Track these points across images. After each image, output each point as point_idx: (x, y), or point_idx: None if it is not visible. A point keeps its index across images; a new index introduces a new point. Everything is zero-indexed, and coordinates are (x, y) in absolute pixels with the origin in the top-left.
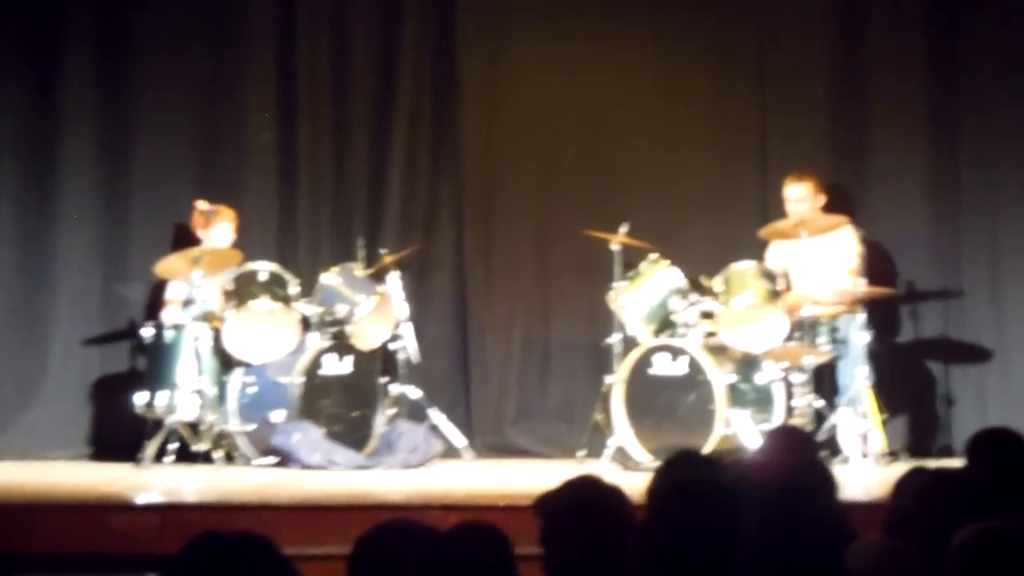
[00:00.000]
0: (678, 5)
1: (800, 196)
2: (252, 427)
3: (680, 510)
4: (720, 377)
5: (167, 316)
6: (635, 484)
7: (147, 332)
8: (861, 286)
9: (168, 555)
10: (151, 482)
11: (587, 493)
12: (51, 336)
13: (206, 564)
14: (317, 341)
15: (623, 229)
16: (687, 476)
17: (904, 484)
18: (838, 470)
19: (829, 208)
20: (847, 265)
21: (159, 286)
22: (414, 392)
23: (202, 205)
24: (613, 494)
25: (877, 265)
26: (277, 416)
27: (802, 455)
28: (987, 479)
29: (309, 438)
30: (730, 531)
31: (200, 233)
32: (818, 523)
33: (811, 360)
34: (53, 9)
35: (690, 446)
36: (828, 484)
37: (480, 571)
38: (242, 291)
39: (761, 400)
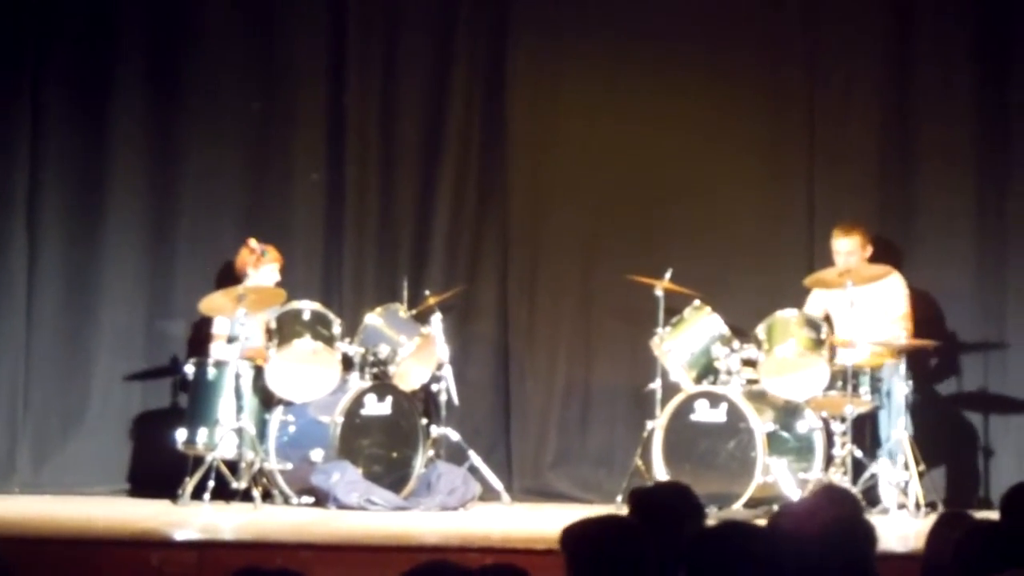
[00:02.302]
0: (728, 50)
1: (849, 249)
2: (291, 466)
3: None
4: (760, 425)
5: (212, 352)
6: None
7: (189, 368)
8: (903, 337)
9: None
10: (189, 519)
11: (610, 529)
12: (93, 371)
13: None
14: (358, 381)
15: (667, 275)
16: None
17: (937, 532)
18: (876, 520)
19: (875, 258)
20: (896, 313)
21: (202, 323)
22: (454, 434)
23: (253, 243)
24: (634, 530)
25: (920, 315)
26: (316, 455)
27: (844, 510)
28: (1019, 533)
29: (348, 478)
30: None
31: (249, 271)
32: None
33: (852, 409)
34: (103, 45)
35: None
36: (866, 536)
37: None
38: (285, 330)
39: (801, 449)
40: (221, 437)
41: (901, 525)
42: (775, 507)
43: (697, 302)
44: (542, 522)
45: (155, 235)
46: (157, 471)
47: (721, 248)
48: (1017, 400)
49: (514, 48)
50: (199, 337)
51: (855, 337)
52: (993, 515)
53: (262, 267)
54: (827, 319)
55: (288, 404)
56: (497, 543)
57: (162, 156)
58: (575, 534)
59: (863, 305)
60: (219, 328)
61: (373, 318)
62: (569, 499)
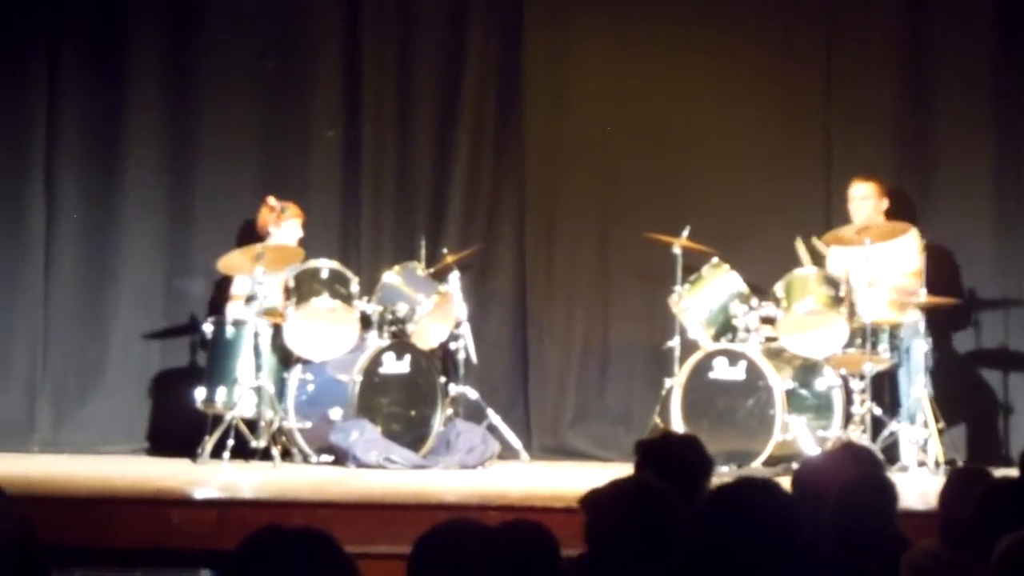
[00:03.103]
0: (743, 8)
1: (865, 194)
2: (310, 424)
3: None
4: (779, 383)
5: (230, 311)
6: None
7: (208, 327)
8: (922, 294)
9: (225, 551)
10: (209, 478)
11: (635, 493)
12: (112, 330)
13: (268, 557)
14: (376, 340)
15: (685, 232)
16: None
17: (952, 487)
18: (896, 478)
19: (892, 214)
20: (909, 268)
21: (222, 281)
22: (472, 392)
23: (272, 201)
24: (661, 495)
25: (939, 273)
26: (335, 414)
27: (864, 466)
28: None
29: (367, 436)
30: (788, 546)
31: (271, 229)
32: (875, 532)
33: (871, 367)
34: (120, 5)
35: (747, 465)
36: (887, 494)
37: (527, 569)
38: (303, 288)
39: (820, 406)
40: (240, 396)
41: (921, 483)
42: (794, 465)
43: (715, 259)
44: (561, 480)
45: (173, 193)
46: (176, 430)
47: (739, 206)
48: None
49: (530, 6)
50: (220, 296)
51: (875, 282)
52: (1012, 472)
53: (283, 224)
54: (847, 280)
55: (307, 363)
56: (516, 501)
57: (179, 114)
58: (598, 497)
59: (879, 261)
60: (238, 288)
61: (391, 276)
62: (588, 457)
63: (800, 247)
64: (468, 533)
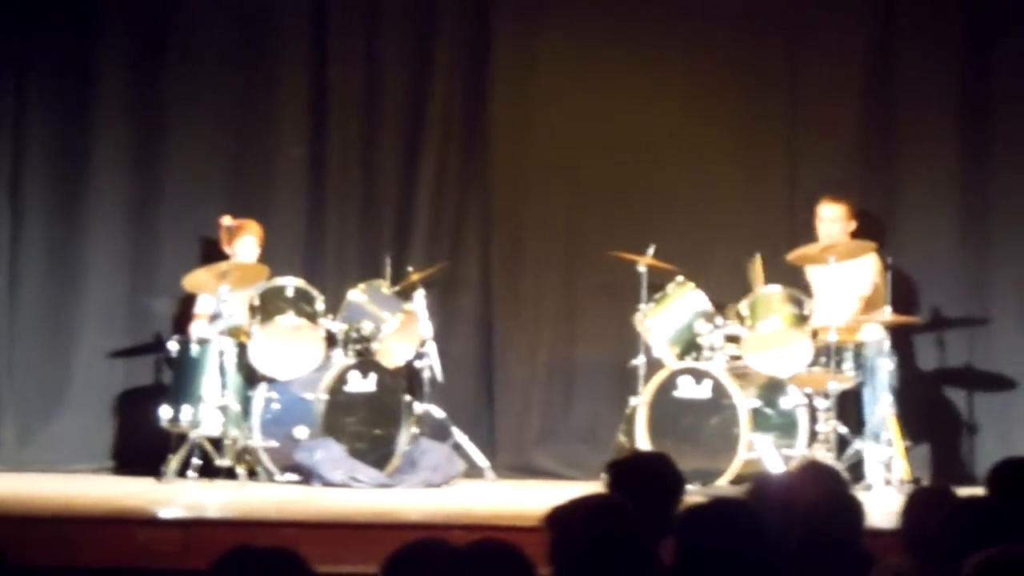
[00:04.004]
0: (708, 28)
1: (833, 216)
2: (275, 443)
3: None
4: (744, 401)
5: (195, 330)
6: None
7: (173, 346)
8: (887, 314)
9: (191, 570)
10: (174, 497)
11: (598, 508)
12: (77, 348)
13: None
14: (342, 358)
15: (650, 251)
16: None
17: (912, 507)
18: (861, 497)
19: (858, 234)
20: (860, 292)
21: (187, 300)
22: (438, 411)
23: (226, 220)
24: (623, 510)
25: (903, 291)
26: (300, 432)
27: (828, 485)
28: (1009, 509)
29: (332, 455)
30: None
31: (226, 248)
32: (842, 550)
33: (836, 386)
34: (87, 21)
35: (712, 484)
36: (853, 512)
37: None
38: (268, 306)
39: (785, 425)
40: (205, 414)
41: (886, 501)
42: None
43: (680, 278)
44: (526, 498)
45: (138, 211)
46: (141, 448)
47: (703, 224)
48: (1001, 376)
49: (496, 25)
50: (186, 314)
51: (834, 322)
52: (978, 491)
53: (237, 242)
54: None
55: (272, 381)
56: (481, 520)
57: (145, 132)
58: (561, 515)
59: (837, 280)
60: (202, 307)
61: (356, 294)
62: (553, 475)
63: (756, 266)
64: (438, 552)
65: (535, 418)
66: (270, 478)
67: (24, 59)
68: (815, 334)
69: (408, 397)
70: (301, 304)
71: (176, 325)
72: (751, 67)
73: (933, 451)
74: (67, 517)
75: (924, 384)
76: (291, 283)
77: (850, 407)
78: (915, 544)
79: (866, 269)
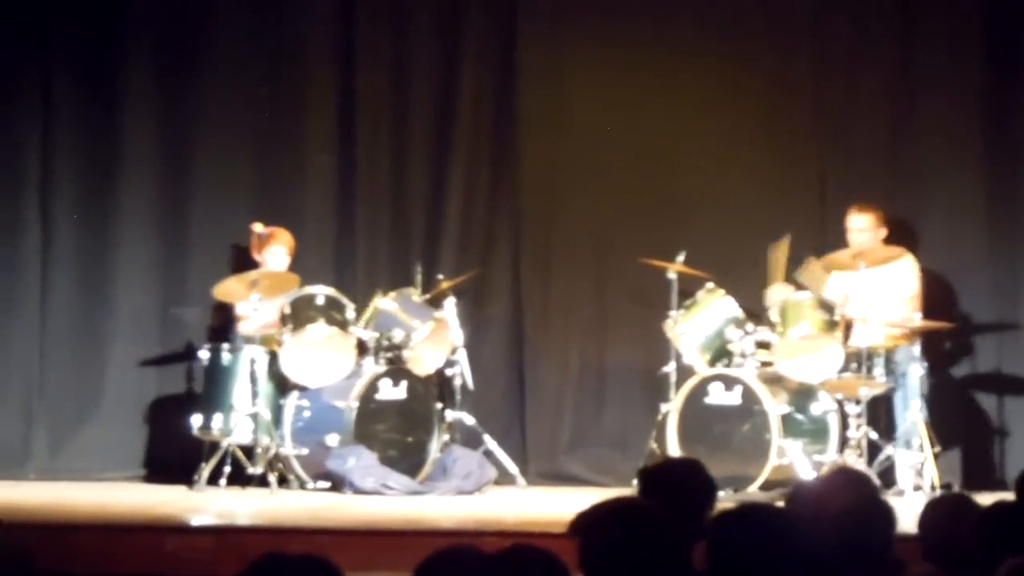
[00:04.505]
0: (738, 35)
1: (863, 226)
2: (306, 451)
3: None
4: (775, 407)
5: (242, 329)
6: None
7: (204, 354)
8: (917, 318)
9: None
10: (205, 505)
11: (623, 512)
12: (108, 357)
13: None
14: (373, 366)
15: (680, 258)
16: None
17: (933, 513)
18: (892, 502)
19: (889, 240)
20: (906, 294)
21: (221, 308)
22: (469, 418)
23: (257, 228)
24: (649, 514)
25: (934, 297)
26: (332, 440)
27: (861, 491)
28: None
29: (363, 463)
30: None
31: (256, 256)
32: (875, 556)
33: (866, 391)
34: (116, 31)
35: (743, 490)
36: (886, 518)
37: None
38: (299, 315)
39: (816, 431)
40: (236, 422)
41: (917, 507)
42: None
43: (710, 284)
44: (557, 505)
45: (168, 220)
46: (173, 457)
47: (734, 231)
48: None
49: (524, 30)
50: (221, 323)
51: (869, 317)
52: (1007, 496)
53: (268, 250)
54: (844, 304)
55: (303, 389)
56: (513, 527)
57: (174, 141)
58: (587, 521)
59: (875, 286)
60: (244, 309)
61: (387, 303)
62: (584, 482)
63: (782, 247)
64: (469, 559)
65: (566, 425)
66: (301, 486)
67: (52, 71)
68: (847, 330)
69: (439, 405)
70: (332, 312)
71: (212, 333)
72: (779, 74)
73: (963, 456)
74: (99, 525)
75: (955, 390)
76: (322, 291)
77: (881, 413)
78: (934, 552)
79: (908, 272)
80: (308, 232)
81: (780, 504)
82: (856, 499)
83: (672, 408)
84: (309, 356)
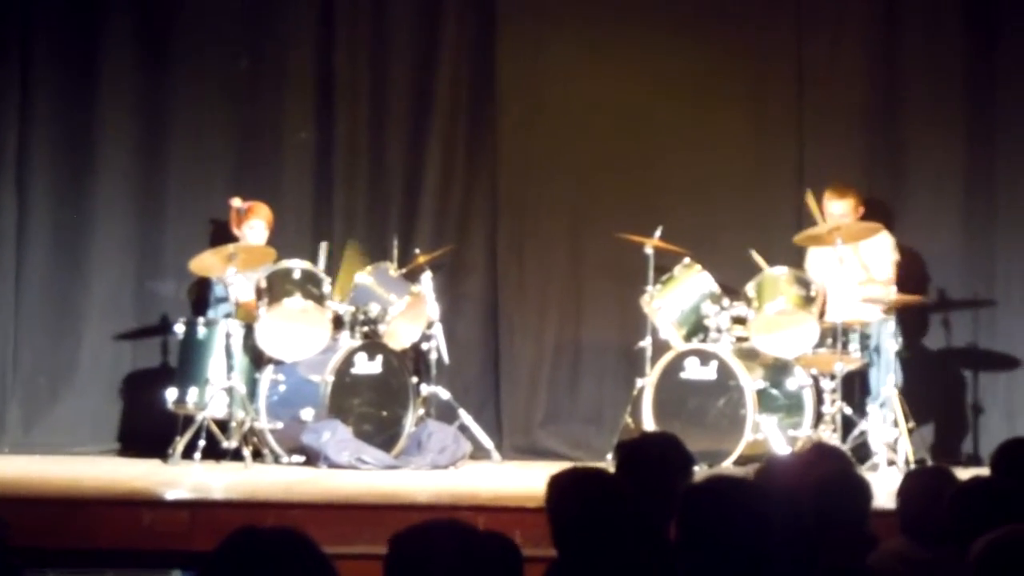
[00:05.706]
0: (715, 11)
1: (843, 212)
2: (281, 425)
3: (713, 531)
4: (750, 382)
5: (231, 295)
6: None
7: (179, 328)
8: (892, 293)
9: (197, 552)
10: (180, 479)
11: (592, 489)
12: (83, 331)
13: (247, 558)
14: (348, 340)
15: (657, 233)
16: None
17: (912, 485)
18: (867, 477)
19: (866, 217)
20: (884, 270)
21: (202, 283)
22: (444, 392)
23: (236, 202)
24: (617, 488)
25: (909, 273)
26: (307, 414)
27: (835, 465)
28: (1013, 489)
29: (338, 437)
30: (764, 543)
31: (235, 230)
32: (850, 530)
33: (841, 367)
34: (94, 5)
35: (718, 465)
36: (861, 492)
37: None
38: (275, 289)
39: (791, 406)
40: (211, 396)
41: (891, 481)
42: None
43: (687, 260)
44: (532, 480)
45: (144, 195)
46: (147, 431)
47: (710, 206)
48: (1006, 356)
49: (502, 9)
50: (203, 298)
51: (845, 292)
52: (982, 471)
53: (246, 224)
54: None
55: (278, 363)
56: (487, 501)
57: (151, 115)
58: (557, 491)
59: (851, 262)
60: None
61: (363, 277)
62: (559, 457)
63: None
64: (446, 532)
65: (541, 400)
66: (276, 460)
67: (28, 46)
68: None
69: (415, 379)
70: (308, 286)
71: (195, 308)
72: (758, 50)
73: (938, 431)
74: (73, 499)
75: (930, 365)
76: (298, 265)
77: (856, 388)
78: (912, 525)
79: (884, 248)
80: (285, 207)
81: (750, 476)
82: (830, 473)
83: (648, 383)
84: (285, 330)
